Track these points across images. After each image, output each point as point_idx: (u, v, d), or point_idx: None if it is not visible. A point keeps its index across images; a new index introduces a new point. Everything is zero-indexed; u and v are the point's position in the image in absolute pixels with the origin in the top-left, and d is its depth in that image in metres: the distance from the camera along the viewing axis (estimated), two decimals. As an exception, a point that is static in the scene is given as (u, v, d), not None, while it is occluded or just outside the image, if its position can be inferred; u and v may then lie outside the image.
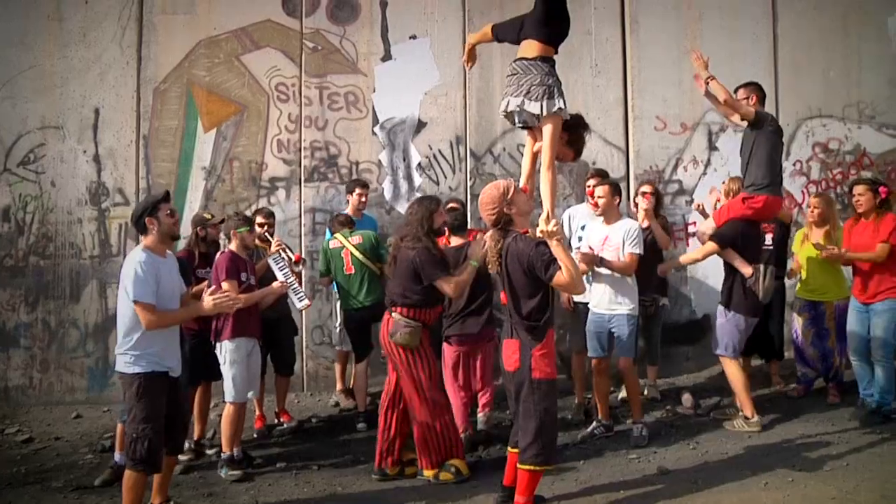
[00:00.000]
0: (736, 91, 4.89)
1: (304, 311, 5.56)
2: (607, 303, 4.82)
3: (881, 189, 5.08)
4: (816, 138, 6.71)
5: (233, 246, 4.75)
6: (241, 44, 6.52)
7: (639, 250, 4.78)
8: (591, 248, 4.88)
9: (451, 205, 5.39)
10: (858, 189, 5.15)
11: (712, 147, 6.57)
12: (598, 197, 4.89)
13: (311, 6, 6.48)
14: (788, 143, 6.63)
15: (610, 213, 4.90)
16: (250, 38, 6.51)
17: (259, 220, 5.34)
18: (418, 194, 6.32)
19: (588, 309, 5.01)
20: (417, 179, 6.45)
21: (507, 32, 4.04)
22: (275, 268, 4.85)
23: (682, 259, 5.57)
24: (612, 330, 4.80)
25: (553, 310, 3.66)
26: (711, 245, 4.85)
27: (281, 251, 4.97)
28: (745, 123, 4.85)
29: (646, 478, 4.22)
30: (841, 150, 6.74)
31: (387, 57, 6.49)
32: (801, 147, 6.70)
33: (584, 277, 4.54)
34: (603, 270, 4.80)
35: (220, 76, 6.51)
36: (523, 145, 6.42)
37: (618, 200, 4.96)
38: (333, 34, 6.49)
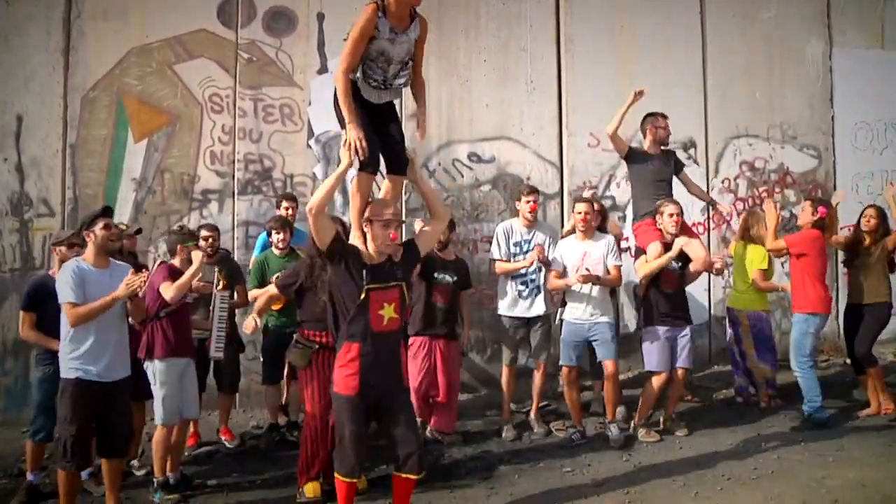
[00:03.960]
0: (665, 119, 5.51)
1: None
2: (588, 314, 5.07)
3: (819, 208, 5.35)
4: (743, 157, 6.98)
5: (176, 261, 4.61)
6: (175, 53, 6.38)
7: (621, 262, 5.19)
8: (588, 269, 5.02)
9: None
10: (804, 205, 5.55)
11: (644, 164, 6.74)
12: (584, 213, 5.09)
13: (246, 17, 6.40)
14: (717, 162, 6.90)
15: (588, 228, 5.15)
16: (184, 48, 6.38)
17: (204, 233, 5.22)
18: (353, 208, 6.30)
19: (518, 320, 5.25)
20: (352, 192, 6.42)
21: None
22: (217, 303, 4.84)
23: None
24: (593, 338, 5.07)
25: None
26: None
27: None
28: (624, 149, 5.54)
29: (580, 490, 4.28)
30: (766, 168, 7.03)
31: (323, 70, 6.44)
32: (729, 165, 6.95)
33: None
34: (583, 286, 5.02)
35: (152, 85, 6.35)
36: (459, 160, 6.60)
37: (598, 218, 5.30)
38: (269, 46, 6.42)
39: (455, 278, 5.14)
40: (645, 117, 5.51)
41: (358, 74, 3.47)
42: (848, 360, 5.95)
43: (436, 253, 5.27)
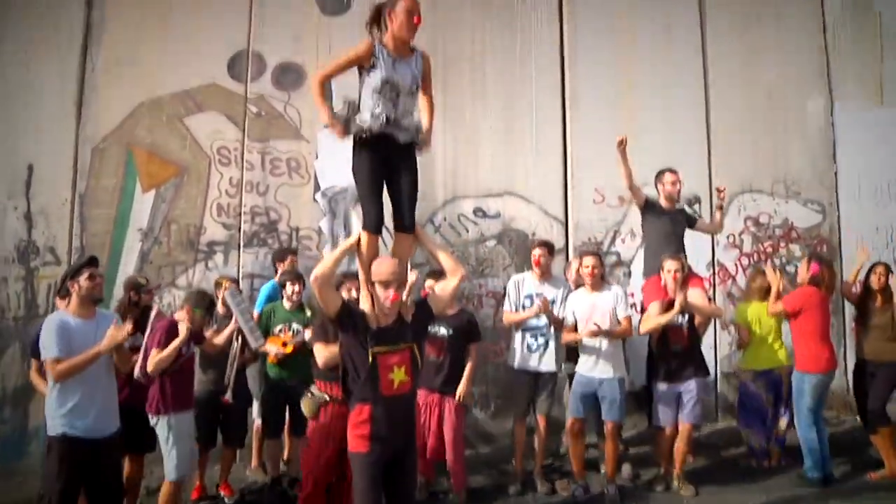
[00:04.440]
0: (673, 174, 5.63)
1: None
2: (598, 369, 5.05)
3: (812, 265, 5.37)
4: (748, 212, 6.99)
5: (182, 316, 4.60)
6: (185, 105, 6.50)
7: (631, 312, 5.22)
8: (596, 324, 5.03)
9: None
10: (803, 262, 5.57)
11: (649, 220, 6.76)
12: (592, 266, 5.14)
13: (256, 71, 6.53)
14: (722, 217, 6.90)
15: (596, 282, 5.17)
16: (194, 101, 6.50)
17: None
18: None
19: (526, 374, 5.27)
20: (357, 247, 6.42)
21: None
22: (231, 303, 4.77)
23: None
24: (601, 395, 5.03)
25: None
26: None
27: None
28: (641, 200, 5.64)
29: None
30: (771, 223, 7.02)
31: (330, 124, 6.53)
32: (734, 221, 6.95)
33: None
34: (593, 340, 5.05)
35: (161, 137, 6.46)
36: (464, 215, 6.63)
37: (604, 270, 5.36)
38: (278, 100, 6.53)
39: (450, 331, 5.04)
40: (656, 175, 5.66)
41: (366, 117, 3.39)
42: (858, 418, 5.85)
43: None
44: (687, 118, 6.89)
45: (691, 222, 5.79)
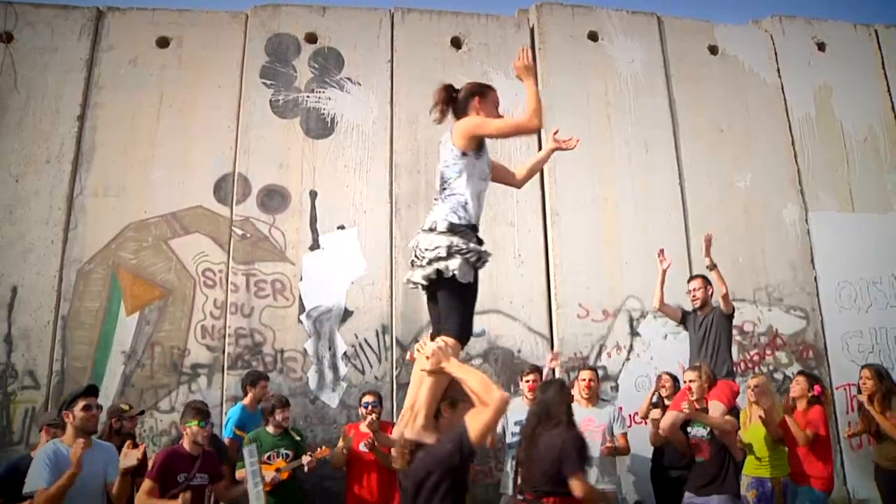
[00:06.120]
0: (690, 281, 5.65)
1: None
2: (593, 479, 4.92)
3: (815, 386, 5.39)
4: (733, 321, 7.01)
5: (185, 441, 4.51)
6: (171, 228, 6.57)
7: (626, 430, 5.37)
8: (611, 443, 5.15)
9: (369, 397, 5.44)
10: (798, 379, 5.54)
11: (634, 333, 6.78)
12: (588, 380, 5.34)
13: (242, 195, 6.64)
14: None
15: (592, 396, 5.36)
16: (180, 223, 6.58)
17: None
18: (343, 384, 6.27)
19: None
20: (343, 368, 6.38)
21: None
22: (246, 461, 4.64)
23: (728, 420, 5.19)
24: None
25: None
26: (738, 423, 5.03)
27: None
28: (678, 316, 5.64)
29: None
30: (755, 331, 7.05)
31: (315, 246, 6.62)
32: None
33: None
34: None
35: (147, 259, 6.49)
36: (449, 335, 6.62)
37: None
38: (263, 222, 6.62)
39: None
40: (696, 276, 5.81)
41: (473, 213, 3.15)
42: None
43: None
44: (666, 230, 7.02)
45: (721, 317, 5.51)
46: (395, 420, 6.10)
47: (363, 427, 5.29)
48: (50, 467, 3.65)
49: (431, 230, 3.10)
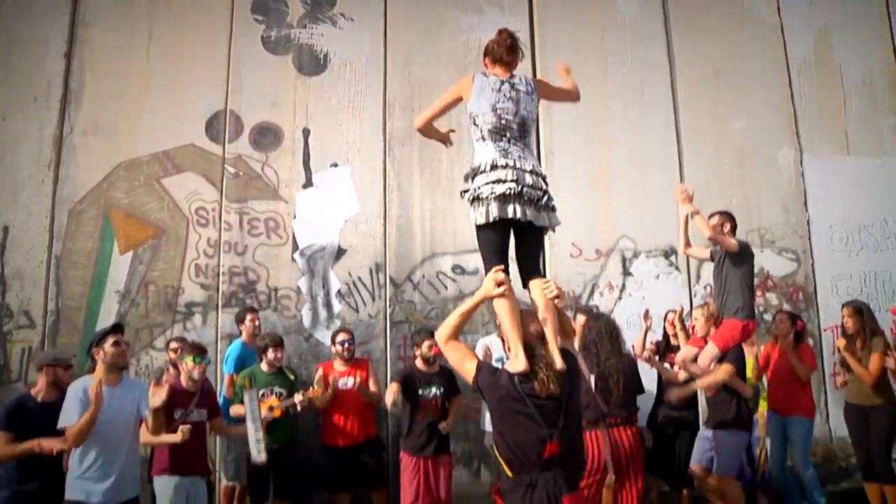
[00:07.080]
0: (710, 218, 5.13)
1: None
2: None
3: (798, 322, 5.63)
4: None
5: (182, 377, 4.62)
6: (163, 167, 6.50)
7: None
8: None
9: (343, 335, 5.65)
10: (780, 317, 5.75)
11: (626, 272, 6.82)
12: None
13: (234, 132, 6.57)
14: (698, 268, 6.98)
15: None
16: (172, 162, 6.51)
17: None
18: (337, 322, 6.31)
19: None
20: (337, 306, 6.42)
21: None
22: (248, 407, 4.78)
23: (701, 384, 5.17)
24: None
25: None
26: (730, 368, 4.94)
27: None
28: (706, 255, 5.31)
29: None
30: (747, 273, 7.09)
31: (308, 184, 6.58)
32: (710, 271, 7.00)
33: None
34: None
35: (139, 199, 6.44)
36: (443, 272, 6.65)
37: None
38: (255, 160, 6.57)
39: (443, 389, 5.25)
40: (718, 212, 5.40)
41: None
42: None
43: (416, 368, 5.31)
44: (659, 172, 6.99)
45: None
46: (388, 358, 6.20)
47: (337, 365, 5.58)
48: (80, 404, 3.74)
49: (542, 176, 3.25)
